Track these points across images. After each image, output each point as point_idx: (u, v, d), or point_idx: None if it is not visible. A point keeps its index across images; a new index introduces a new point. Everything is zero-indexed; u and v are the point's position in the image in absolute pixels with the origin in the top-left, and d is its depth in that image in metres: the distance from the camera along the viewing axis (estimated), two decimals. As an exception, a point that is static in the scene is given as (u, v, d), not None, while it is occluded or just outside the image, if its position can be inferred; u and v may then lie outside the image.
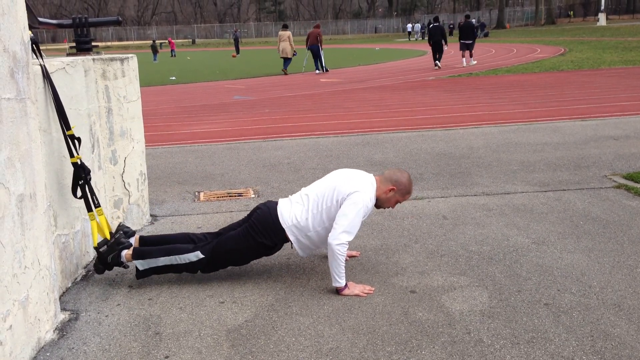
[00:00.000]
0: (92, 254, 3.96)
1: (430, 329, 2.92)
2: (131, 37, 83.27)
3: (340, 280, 3.28)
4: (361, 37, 69.07)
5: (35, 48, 3.12)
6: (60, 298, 3.29)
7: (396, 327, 2.95)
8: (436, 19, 22.49)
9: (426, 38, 41.70)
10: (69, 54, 4.26)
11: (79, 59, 3.90)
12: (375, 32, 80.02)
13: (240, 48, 43.83)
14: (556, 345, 2.74)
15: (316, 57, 21.22)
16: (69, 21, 4.30)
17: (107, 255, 3.42)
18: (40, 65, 3.22)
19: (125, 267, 3.47)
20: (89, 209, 3.45)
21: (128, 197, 4.44)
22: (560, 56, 24.09)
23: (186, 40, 77.57)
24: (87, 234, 3.83)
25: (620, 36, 35.45)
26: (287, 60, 21.73)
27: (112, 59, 4.23)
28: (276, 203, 3.52)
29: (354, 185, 3.33)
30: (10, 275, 2.53)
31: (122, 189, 4.39)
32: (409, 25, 63.40)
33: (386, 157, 6.88)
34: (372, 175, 3.49)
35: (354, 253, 3.89)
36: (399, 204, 3.56)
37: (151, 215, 4.86)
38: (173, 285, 3.52)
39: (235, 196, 5.46)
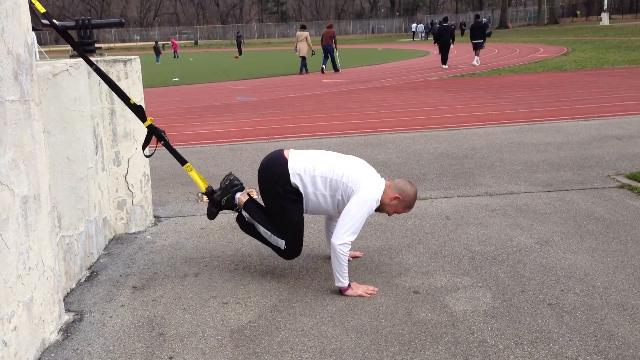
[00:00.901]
0: (96, 255, 3.98)
1: (434, 329, 2.93)
2: (134, 38, 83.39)
3: (343, 281, 3.28)
4: (363, 37, 69.12)
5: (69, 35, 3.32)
6: (64, 299, 3.30)
7: (400, 328, 2.95)
8: (445, 20, 22.95)
9: (430, 38, 42.06)
10: (72, 56, 4.27)
11: (83, 60, 3.91)
12: (373, 32, 79.92)
13: (243, 49, 43.90)
14: (560, 345, 2.74)
15: (327, 56, 21.53)
16: (72, 23, 4.32)
17: (222, 197, 3.54)
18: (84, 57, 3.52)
19: (238, 210, 3.58)
20: (183, 162, 3.64)
21: (131, 199, 4.45)
22: (563, 56, 24.05)
23: (189, 41, 77.67)
24: (90, 235, 3.84)
25: (623, 36, 35.39)
26: (304, 60, 22.08)
27: (115, 61, 4.24)
28: (281, 151, 3.48)
29: (366, 182, 3.31)
30: (14, 277, 2.54)
31: (125, 190, 4.40)
32: (414, 25, 63.32)
33: (389, 157, 6.88)
34: (383, 179, 3.48)
35: (357, 254, 3.89)
36: (396, 214, 3.55)
37: (154, 217, 4.87)
38: (177, 287, 3.53)
39: (238, 197, 5.46)
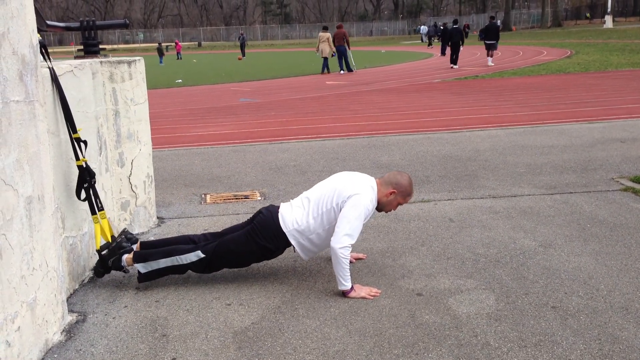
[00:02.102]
0: (99, 256, 3.98)
1: (437, 331, 2.92)
2: (137, 40, 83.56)
3: (345, 283, 3.28)
4: (367, 39, 69.15)
5: (43, 51, 3.14)
6: (67, 300, 3.30)
7: (403, 330, 2.95)
8: (455, 22, 23.76)
9: (435, 40, 42.61)
10: (76, 57, 4.28)
11: (87, 61, 3.92)
12: (371, 34, 79.90)
13: (246, 51, 43.93)
14: (563, 348, 2.73)
15: (341, 57, 21.81)
16: (77, 24, 4.33)
17: (108, 258, 3.43)
18: (49, 67, 3.25)
19: (126, 271, 3.48)
20: (93, 212, 3.47)
21: (135, 200, 4.45)
22: (566, 58, 24.02)
23: (192, 43, 77.80)
24: (94, 236, 3.84)
25: (627, 38, 35.33)
26: (326, 60, 22.54)
27: (119, 62, 4.25)
28: (278, 207, 3.53)
29: (353, 188, 3.33)
30: (18, 277, 2.55)
31: (129, 192, 4.41)
32: (423, 27, 63.24)
33: (392, 159, 6.87)
34: (372, 178, 3.49)
35: (360, 255, 3.89)
36: (400, 206, 3.55)
37: (158, 218, 4.87)
38: (180, 287, 3.53)
39: (241, 198, 5.47)
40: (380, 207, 3.46)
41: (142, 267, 3.43)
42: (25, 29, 2.64)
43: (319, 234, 3.39)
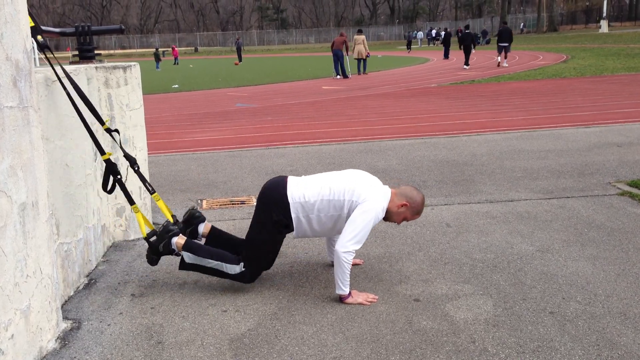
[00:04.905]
0: (95, 262, 3.95)
1: (435, 337, 2.90)
2: (134, 45, 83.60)
3: (344, 288, 3.26)
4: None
5: (46, 52, 3.16)
6: (62, 307, 3.28)
7: (400, 336, 2.93)
8: (467, 27, 26.25)
9: (436, 44, 43.64)
10: (72, 62, 4.26)
11: (82, 67, 3.90)
12: (368, 39, 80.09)
13: (243, 56, 43.97)
14: (562, 354, 2.72)
15: (337, 61, 22.08)
16: (72, 29, 4.31)
17: (158, 244, 3.43)
18: (61, 67, 3.30)
19: (178, 255, 3.48)
20: (131, 202, 3.47)
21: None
22: (562, 63, 24.10)
23: (189, 48, 77.84)
24: (89, 242, 3.82)
25: (622, 43, 35.47)
26: (360, 61, 23.53)
27: (115, 67, 4.23)
28: (284, 177, 3.49)
29: (369, 192, 3.31)
30: (12, 284, 2.52)
31: (124, 197, 4.38)
32: (434, 32, 63.52)
33: (389, 164, 6.86)
34: (388, 187, 3.47)
35: (357, 261, 3.87)
36: (405, 221, 3.52)
37: (154, 223, 4.84)
38: (175, 294, 3.50)
39: (238, 204, 5.45)
40: (386, 216, 3.42)
41: (187, 257, 3.45)
42: (19, 34, 2.63)
43: (319, 217, 3.35)
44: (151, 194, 3.58)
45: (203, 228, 3.66)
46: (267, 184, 3.50)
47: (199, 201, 5.56)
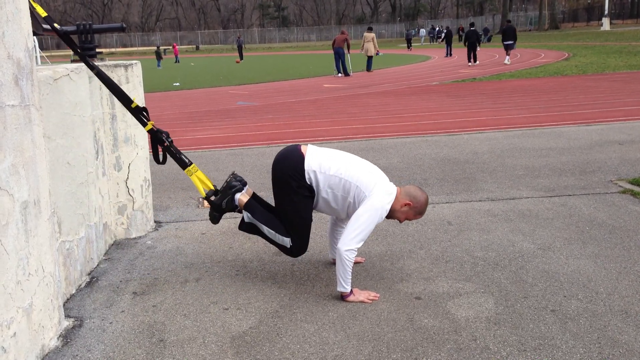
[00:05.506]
0: (97, 260, 3.96)
1: (436, 335, 2.90)
2: (135, 43, 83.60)
3: (345, 286, 3.26)
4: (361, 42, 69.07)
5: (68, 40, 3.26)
6: (64, 305, 3.28)
7: (401, 334, 2.93)
8: (472, 25, 26.24)
9: (437, 42, 44.07)
10: (73, 61, 4.26)
11: (83, 65, 3.90)
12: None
13: (244, 54, 43.96)
14: (563, 352, 2.72)
15: (339, 59, 22.11)
16: (74, 28, 4.31)
17: (221, 200, 3.45)
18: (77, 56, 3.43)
19: (240, 211, 3.50)
20: (184, 166, 3.51)
21: (132, 204, 4.43)
22: (564, 61, 24.06)
23: (190, 46, 77.82)
24: (91, 240, 3.83)
25: (624, 41, 35.41)
26: (370, 59, 23.75)
27: (116, 66, 4.24)
28: (297, 145, 3.45)
29: (377, 188, 3.29)
30: (14, 283, 2.53)
31: (126, 195, 4.39)
32: (422, 30, 63.61)
33: (390, 162, 6.86)
34: (393, 185, 3.46)
35: (358, 259, 3.87)
36: (407, 221, 3.50)
37: (155, 222, 4.85)
38: (177, 292, 3.51)
39: (239, 202, 5.44)
40: (389, 214, 3.41)
41: (246, 217, 3.47)
42: (21, 33, 2.63)
43: (327, 191, 3.32)
44: (189, 165, 3.55)
45: (240, 196, 3.53)
46: (281, 152, 3.46)
47: (200, 199, 5.56)
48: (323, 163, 3.33)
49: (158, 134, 3.53)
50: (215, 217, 3.52)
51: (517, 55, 29.23)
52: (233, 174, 3.61)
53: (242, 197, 3.49)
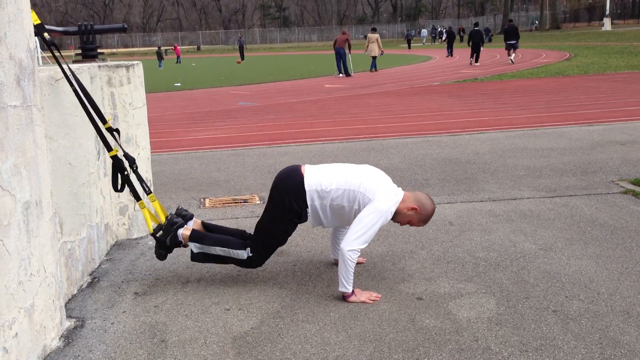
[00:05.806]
0: (98, 261, 3.96)
1: (438, 336, 2.90)
2: (136, 43, 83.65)
3: (347, 286, 3.26)
4: (365, 42, 69.11)
5: (53, 50, 3.18)
6: (65, 305, 3.29)
7: (403, 335, 2.93)
8: (476, 25, 26.62)
9: (440, 41, 44.48)
10: (74, 61, 4.27)
11: (85, 66, 3.91)
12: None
13: (245, 54, 43.98)
14: (565, 352, 2.72)
15: (340, 59, 22.14)
16: (75, 28, 4.32)
17: (165, 238, 3.45)
18: (67, 65, 3.32)
19: (185, 246, 3.51)
20: (137, 198, 3.48)
21: (133, 204, 4.43)
22: (565, 61, 24.05)
23: (191, 46, 77.85)
24: (92, 240, 3.83)
25: (625, 41, 35.38)
26: (374, 60, 23.94)
27: (117, 66, 4.24)
28: (298, 166, 3.49)
29: (382, 191, 3.29)
30: (16, 283, 2.53)
31: (127, 196, 4.39)
32: (424, 31, 63.70)
33: (392, 162, 6.86)
34: (400, 189, 3.45)
35: (360, 260, 3.86)
36: (409, 225, 3.50)
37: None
38: (178, 293, 3.51)
39: (240, 202, 5.45)
40: (394, 216, 3.41)
41: (195, 247, 3.47)
42: (23, 34, 2.63)
43: (332, 206, 3.35)
44: (147, 194, 3.58)
45: (192, 225, 3.60)
46: (282, 172, 3.50)
47: (202, 200, 5.56)
48: (323, 181, 3.36)
49: (121, 162, 3.47)
50: (161, 255, 3.50)
51: (519, 55, 29.22)
52: (178, 209, 3.61)
53: (184, 231, 3.48)
